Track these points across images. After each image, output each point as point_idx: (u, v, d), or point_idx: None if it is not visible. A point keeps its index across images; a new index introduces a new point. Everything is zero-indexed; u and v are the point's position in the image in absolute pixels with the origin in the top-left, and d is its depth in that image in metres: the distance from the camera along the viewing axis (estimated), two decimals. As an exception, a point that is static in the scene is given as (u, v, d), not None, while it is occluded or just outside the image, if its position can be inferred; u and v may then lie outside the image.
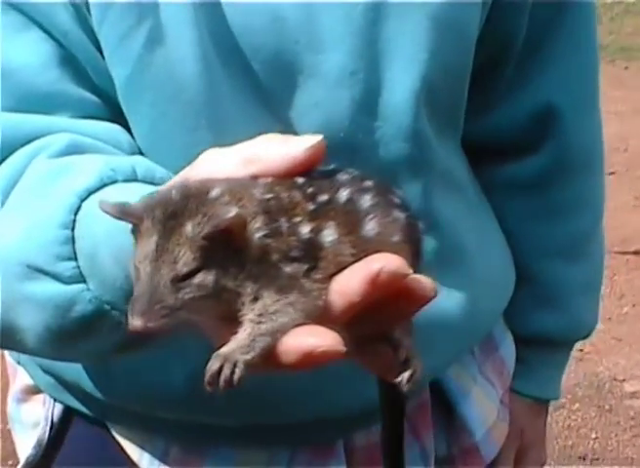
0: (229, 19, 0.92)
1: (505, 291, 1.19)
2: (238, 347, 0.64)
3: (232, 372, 0.63)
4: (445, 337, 1.04)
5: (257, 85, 0.94)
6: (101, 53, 0.92)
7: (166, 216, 0.65)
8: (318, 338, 0.63)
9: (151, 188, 0.75)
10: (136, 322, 0.63)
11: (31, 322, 0.80)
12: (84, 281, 0.77)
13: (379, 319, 0.69)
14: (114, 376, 1.01)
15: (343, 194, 0.69)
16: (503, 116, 1.17)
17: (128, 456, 1.08)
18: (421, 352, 1.03)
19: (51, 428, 1.11)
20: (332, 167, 0.72)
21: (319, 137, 0.70)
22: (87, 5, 0.91)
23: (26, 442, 1.14)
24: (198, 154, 0.73)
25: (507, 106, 1.16)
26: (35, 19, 0.93)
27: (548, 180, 1.19)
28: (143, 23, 0.90)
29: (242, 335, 0.64)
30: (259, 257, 0.64)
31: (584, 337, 1.28)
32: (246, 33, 0.92)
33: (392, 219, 0.70)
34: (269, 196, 0.66)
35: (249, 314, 0.65)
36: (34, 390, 1.15)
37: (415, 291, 0.68)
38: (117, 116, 0.94)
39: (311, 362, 0.64)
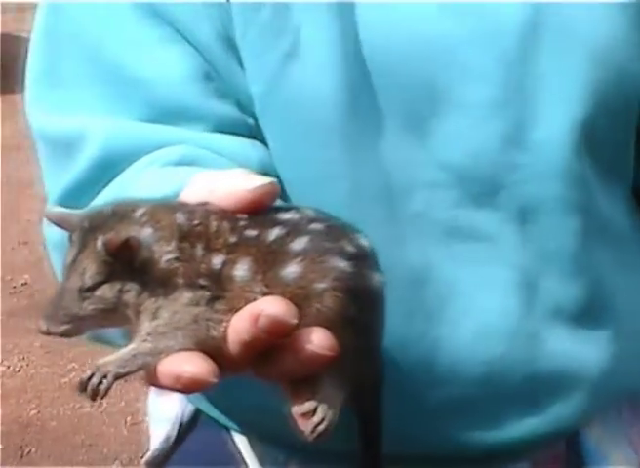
0: (373, 42, 0.91)
1: None
2: (116, 360, 0.67)
3: (100, 383, 0.66)
4: (581, 390, 1.00)
5: (397, 109, 0.93)
6: (243, 69, 0.93)
7: (89, 229, 0.69)
8: (191, 365, 0.66)
9: None
10: (40, 325, 0.68)
11: None
12: None
13: (285, 364, 0.69)
14: (238, 388, 1.00)
15: (274, 232, 0.70)
16: None
17: (246, 463, 1.08)
18: (553, 400, 0.99)
19: (180, 426, 1.13)
20: (292, 205, 0.74)
21: (269, 180, 0.72)
22: (232, 21, 0.92)
23: (157, 435, 1.16)
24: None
25: None
26: (182, 34, 0.94)
27: None
28: (282, 40, 0.91)
29: (126, 350, 0.68)
30: (164, 279, 0.67)
31: None
32: (390, 57, 0.91)
33: (326, 266, 0.69)
34: (197, 222, 0.69)
35: (142, 331, 0.68)
36: None
37: (302, 344, 0.67)
38: (257, 132, 0.94)
39: (182, 386, 0.66)
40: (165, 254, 0.67)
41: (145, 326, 0.68)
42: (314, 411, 0.70)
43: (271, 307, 0.65)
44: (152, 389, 1.18)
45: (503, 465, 1.02)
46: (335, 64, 0.90)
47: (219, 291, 0.67)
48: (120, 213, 0.69)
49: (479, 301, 0.94)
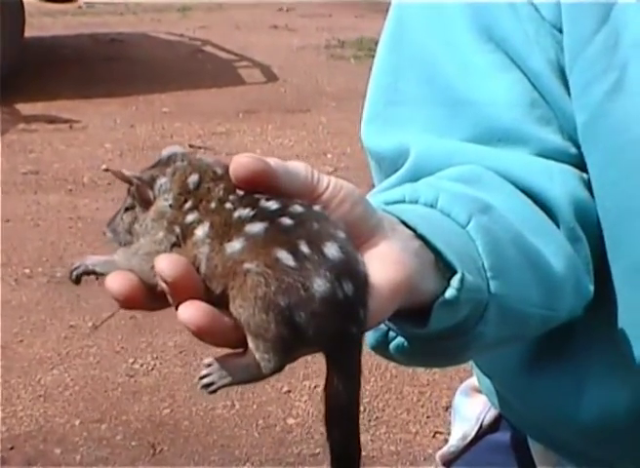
0: None
1: None
2: (95, 259, 0.82)
3: (75, 269, 0.82)
4: None
5: None
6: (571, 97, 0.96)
7: (149, 168, 0.83)
8: (112, 281, 0.76)
9: (439, 217, 0.86)
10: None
11: None
12: None
13: None
14: (532, 397, 1.06)
15: (244, 212, 0.77)
16: None
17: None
18: None
19: (479, 428, 1.21)
20: (297, 201, 0.77)
21: (258, 159, 0.75)
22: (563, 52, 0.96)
23: (456, 432, 1.24)
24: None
25: None
26: (515, 61, 1.00)
27: None
28: (609, 74, 0.94)
29: (107, 257, 0.82)
30: (156, 218, 0.80)
31: None
32: None
33: (264, 252, 0.74)
34: (205, 185, 0.80)
35: (122, 249, 0.82)
36: (479, 390, 1.23)
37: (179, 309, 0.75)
38: (580, 161, 0.97)
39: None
40: (163, 201, 0.80)
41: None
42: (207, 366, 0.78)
43: (157, 262, 0.74)
44: (461, 387, 1.28)
45: None
46: None
47: (181, 241, 0.79)
48: (170, 162, 0.82)
49: None
